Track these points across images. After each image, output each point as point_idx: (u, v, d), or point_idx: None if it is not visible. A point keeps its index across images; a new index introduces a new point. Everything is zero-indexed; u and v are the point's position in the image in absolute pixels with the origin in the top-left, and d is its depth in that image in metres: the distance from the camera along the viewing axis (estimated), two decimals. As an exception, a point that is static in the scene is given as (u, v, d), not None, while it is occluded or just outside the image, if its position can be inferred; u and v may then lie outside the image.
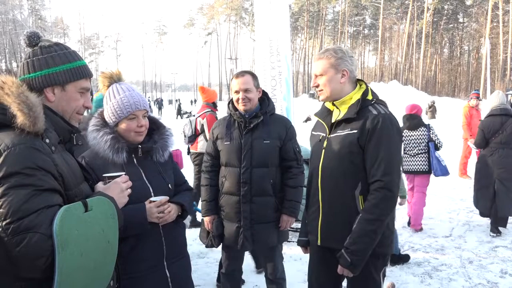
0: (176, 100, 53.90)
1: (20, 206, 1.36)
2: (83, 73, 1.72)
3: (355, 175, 2.26)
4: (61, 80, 1.65)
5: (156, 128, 2.34)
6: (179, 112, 32.95)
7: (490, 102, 6.08)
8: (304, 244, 2.66)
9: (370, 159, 2.23)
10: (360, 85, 2.42)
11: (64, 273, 1.38)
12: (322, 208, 2.37)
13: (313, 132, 2.56)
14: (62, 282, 1.37)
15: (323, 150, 2.37)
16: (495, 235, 5.65)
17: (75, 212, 1.44)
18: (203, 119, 6.16)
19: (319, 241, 2.41)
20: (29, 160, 1.42)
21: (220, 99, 64.74)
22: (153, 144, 2.27)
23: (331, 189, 2.33)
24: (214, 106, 6.35)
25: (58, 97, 1.66)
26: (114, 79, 2.24)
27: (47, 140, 1.53)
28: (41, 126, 1.50)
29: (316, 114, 2.56)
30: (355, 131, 2.25)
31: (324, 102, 2.51)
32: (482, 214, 5.93)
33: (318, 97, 2.47)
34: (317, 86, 2.38)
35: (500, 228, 5.73)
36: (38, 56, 1.64)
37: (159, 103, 42.21)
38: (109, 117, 2.19)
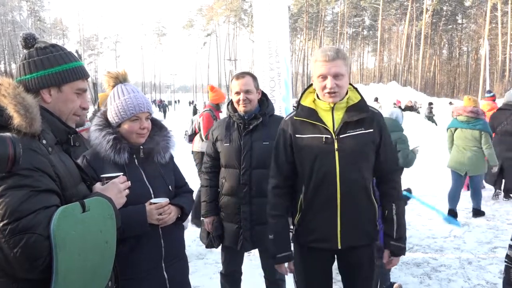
0: (191, 102, 53.22)
1: (17, 207, 1.35)
2: (80, 74, 1.72)
3: (371, 171, 2.40)
4: (57, 81, 1.65)
5: (158, 129, 2.35)
6: (195, 113, 32.83)
7: (504, 99, 7.51)
8: (287, 259, 2.48)
9: (389, 152, 2.43)
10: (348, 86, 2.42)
11: (62, 273, 1.37)
12: (341, 210, 2.31)
13: (299, 135, 2.38)
14: (60, 282, 1.37)
15: (337, 152, 2.29)
16: (507, 199, 7.39)
17: (72, 212, 1.44)
18: (200, 117, 6.23)
19: (339, 245, 2.35)
20: (26, 161, 1.42)
21: (219, 100, 64.63)
22: (154, 145, 2.27)
23: (354, 189, 2.31)
24: (217, 107, 6.38)
25: (55, 98, 1.66)
26: (119, 79, 2.25)
27: (44, 141, 1.53)
28: (38, 127, 1.50)
29: (298, 116, 2.40)
30: (371, 130, 2.33)
31: (300, 102, 2.46)
32: (488, 181, 7.56)
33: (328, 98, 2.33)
34: (333, 88, 2.25)
35: (499, 229, 5.95)
36: (34, 58, 1.64)
37: (164, 106, 39.24)
38: (112, 117, 2.20)
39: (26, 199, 1.37)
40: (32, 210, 1.37)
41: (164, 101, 44.98)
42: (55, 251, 1.36)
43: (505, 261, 2.01)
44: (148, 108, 2.21)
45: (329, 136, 2.32)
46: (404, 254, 2.47)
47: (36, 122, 1.49)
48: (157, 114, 2.42)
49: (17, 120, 1.45)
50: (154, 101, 45.18)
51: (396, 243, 2.41)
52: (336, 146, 2.30)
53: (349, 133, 2.30)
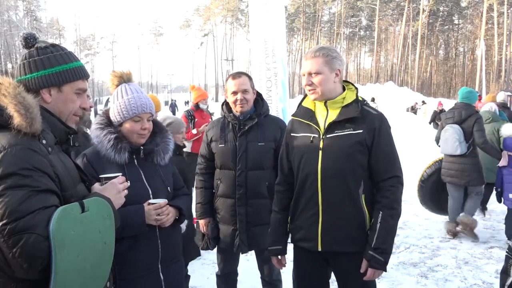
0: (187, 102, 53.19)
1: (16, 207, 1.35)
2: (80, 74, 1.72)
3: (359, 174, 2.29)
4: (58, 81, 1.65)
5: (158, 131, 2.36)
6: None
7: None
8: (278, 253, 2.57)
9: (383, 157, 2.29)
10: (348, 86, 2.42)
11: (61, 274, 1.37)
12: (323, 211, 2.30)
13: (293, 134, 2.46)
14: (59, 283, 1.37)
15: (320, 151, 2.30)
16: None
17: (71, 212, 1.44)
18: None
19: (319, 247, 2.33)
20: (26, 161, 1.42)
21: (217, 101, 64.67)
22: (155, 146, 2.29)
23: (334, 190, 2.28)
24: (196, 107, 6.49)
25: (55, 98, 1.66)
26: (124, 79, 2.27)
27: (44, 141, 1.53)
28: (38, 127, 1.50)
29: (295, 115, 2.49)
30: (360, 131, 2.27)
31: (301, 103, 2.50)
32: None
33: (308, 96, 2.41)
34: (310, 85, 2.31)
35: (495, 229, 5.99)
36: (34, 58, 1.64)
37: (173, 106, 39.04)
38: (114, 116, 2.21)
39: (25, 199, 1.37)
40: (31, 210, 1.37)
41: (174, 100, 45.12)
42: (54, 251, 1.35)
43: (506, 252, 2.05)
44: (151, 109, 2.22)
45: (316, 136, 2.34)
46: (384, 270, 2.25)
47: (36, 122, 1.49)
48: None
49: (17, 120, 1.46)
50: (170, 103, 45.27)
51: (373, 253, 2.21)
52: (321, 146, 2.31)
53: (336, 133, 2.30)
